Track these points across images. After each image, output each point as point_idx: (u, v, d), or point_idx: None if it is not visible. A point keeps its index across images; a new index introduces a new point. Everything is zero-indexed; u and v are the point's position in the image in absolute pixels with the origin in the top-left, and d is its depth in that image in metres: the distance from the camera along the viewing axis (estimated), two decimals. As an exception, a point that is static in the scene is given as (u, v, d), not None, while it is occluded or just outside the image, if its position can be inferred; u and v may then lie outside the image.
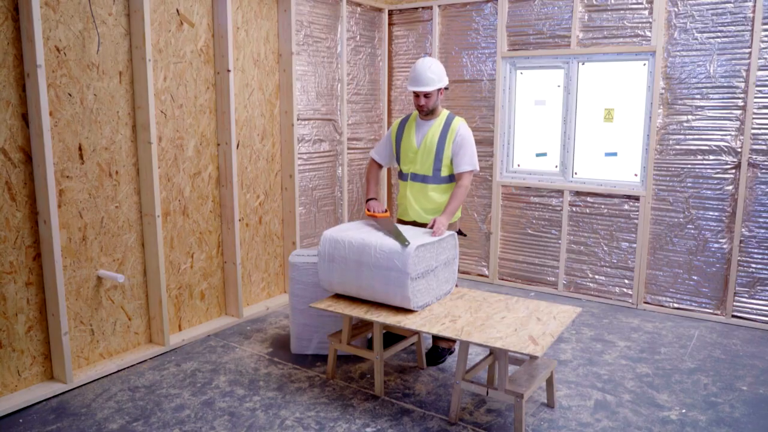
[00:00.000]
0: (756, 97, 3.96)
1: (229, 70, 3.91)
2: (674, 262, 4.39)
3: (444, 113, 3.47)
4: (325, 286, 3.25)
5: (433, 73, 3.31)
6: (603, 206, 4.61)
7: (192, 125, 3.84)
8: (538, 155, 4.95)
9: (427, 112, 3.42)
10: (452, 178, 3.47)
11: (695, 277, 4.33)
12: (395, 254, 2.92)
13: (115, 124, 3.39)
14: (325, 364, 3.53)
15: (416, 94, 3.37)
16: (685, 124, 4.24)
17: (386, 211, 3.47)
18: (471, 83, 5.08)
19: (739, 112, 4.04)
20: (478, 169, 3.41)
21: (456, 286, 3.41)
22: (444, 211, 3.30)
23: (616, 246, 4.59)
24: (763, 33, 3.90)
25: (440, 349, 3.61)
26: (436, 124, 3.44)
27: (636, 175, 4.51)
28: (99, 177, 3.35)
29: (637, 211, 4.47)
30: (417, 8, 5.27)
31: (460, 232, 3.58)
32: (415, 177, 3.49)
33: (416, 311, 2.99)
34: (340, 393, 3.20)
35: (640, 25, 4.30)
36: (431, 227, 3.21)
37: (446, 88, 3.43)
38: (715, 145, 4.15)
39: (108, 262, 3.43)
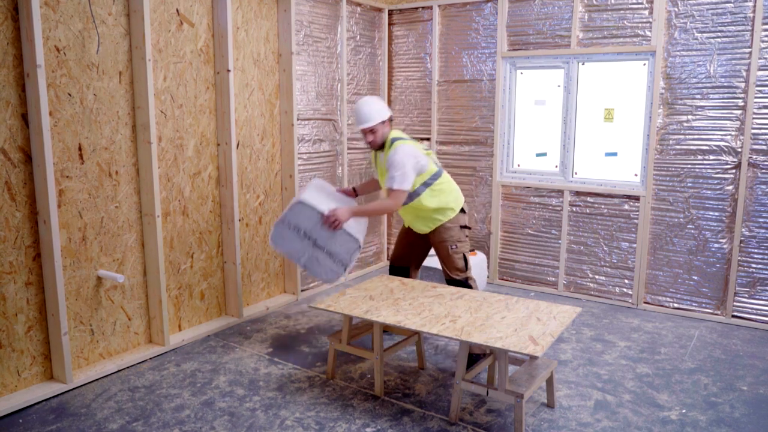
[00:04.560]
0: (756, 97, 3.96)
1: (229, 70, 3.91)
2: (674, 262, 4.39)
3: (388, 142, 3.50)
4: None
5: (370, 110, 3.46)
6: (603, 206, 4.61)
7: (192, 125, 3.84)
8: (538, 155, 4.95)
9: (377, 147, 3.54)
10: (425, 185, 3.51)
11: (695, 277, 4.33)
12: None
13: (115, 124, 3.39)
14: (325, 364, 3.53)
15: (364, 132, 3.50)
16: (685, 124, 4.24)
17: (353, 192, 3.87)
18: (471, 83, 5.08)
19: (739, 112, 4.04)
20: (402, 188, 3.36)
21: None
22: (353, 207, 3.47)
23: (616, 246, 4.59)
24: (763, 33, 3.89)
25: (473, 354, 3.36)
26: (384, 154, 3.52)
27: (636, 175, 4.50)
28: (99, 177, 3.34)
29: (637, 211, 4.47)
30: (417, 8, 5.27)
31: (465, 227, 3.59)
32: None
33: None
34: (340, 393, 3.20)
35: (640, 25, 4.30)
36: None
37: (390, 119, 3.54)
38: (715, 145, 4.15)
39: (108, 262, 3.43)
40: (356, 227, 3.42)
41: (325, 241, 3.36)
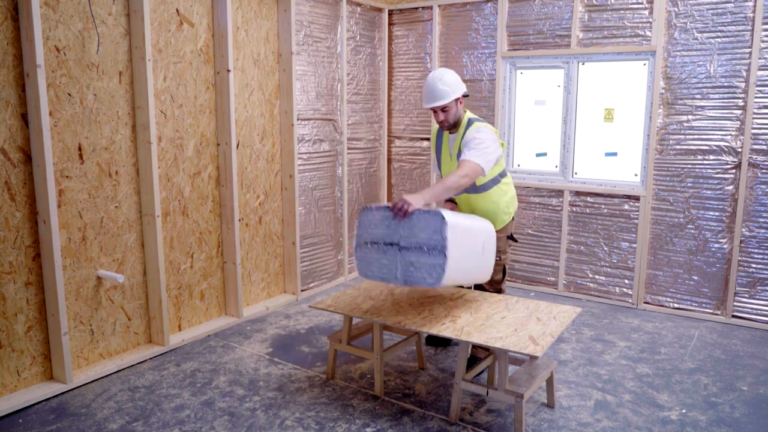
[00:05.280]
0: (756, 97, 3.96)
1: (229, 70, 3.91)
2: (674, 262, 4.39)
3: (464, 122, 3.18)
4: None
5: (445, 85, 3.06)
6: (603, 206, 4.61)
7: (192, 125, 3.84)
8: (538, 155, 4.95)
9: (449, 127, 3.19)
10: (494, 182, 3.25)
11: (695, 277, 4.33)
12: None
13: (114, 124, 3.39)
14: (325, 364, 3.53)
15: (434, 111, 3.13)
16: (685, 124, 4.24)
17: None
18: (471, 83, 5.08)
19: (739, 111, 4.04)
20: (484, 165, 2.98)
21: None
22: (425, 190, 2.90)
23: (616, 246, 4.59)
24: (764, 33, 3.89)
25: (477, 358, 3.26)
26: (458, 136, 3.18)
27: (636, 175, 4.50)
28: (99, 177, 3.34)
29: (638, 211, 4.47)
30: (417, 8, 5.27)
31: (511, 237, 3.44)
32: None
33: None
34: (340, 393, 3.20)
35: (640, 25, 4.30)
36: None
37: (466, 95, 3.18)
38: (715, 145, 4.15)
39: (108, 262, 3.43)
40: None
41: (408, 239, 2.73)
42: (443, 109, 3.10)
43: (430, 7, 5.19)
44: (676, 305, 4.43)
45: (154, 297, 3.65)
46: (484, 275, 3.07)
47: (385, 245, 2.80)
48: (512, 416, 2.95)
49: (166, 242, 3.74)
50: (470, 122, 3.18)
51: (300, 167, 4.61)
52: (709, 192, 4.21)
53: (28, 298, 3.08)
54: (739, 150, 4.07)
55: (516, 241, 3.55)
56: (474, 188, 3.24)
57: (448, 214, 2.66)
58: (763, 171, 4.01)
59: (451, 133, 3.27)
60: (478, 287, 3.46)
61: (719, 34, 4.04)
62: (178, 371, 3.45)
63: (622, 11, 4.35)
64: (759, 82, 3.93)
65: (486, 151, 2.99)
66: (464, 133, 3.14)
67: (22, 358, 3.09)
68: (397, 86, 5.49)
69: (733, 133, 4.07)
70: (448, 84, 3.08)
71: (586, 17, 4.50)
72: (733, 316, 4.22)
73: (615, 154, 4.59)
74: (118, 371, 3.42)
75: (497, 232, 3.30)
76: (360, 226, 2.88)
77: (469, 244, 2.84)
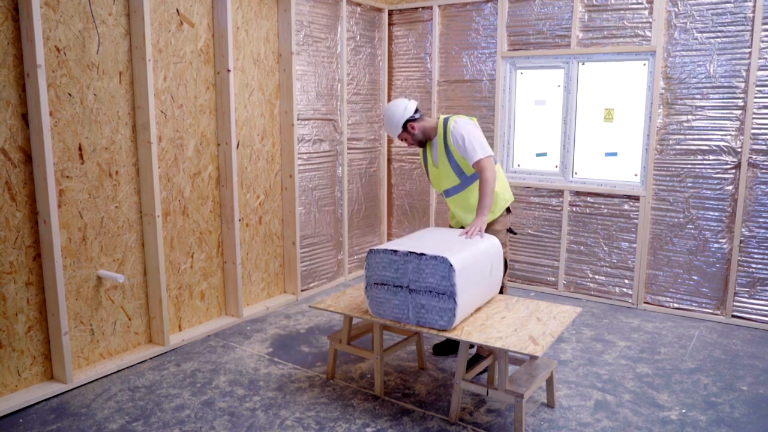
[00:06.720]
0: (756, 97, 3.96)
1: (229, 70, 3.91)
2: (674, 262, 4.39)
3: (440, 125, 3.33)
4: None
5: (388, 119, 3.35)
6: (603, 206, 4.61)
7: (192, 125, 3.84)
8: (538, 155, 4.95)
9: (418, 144, 3.42)
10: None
11: (695, 277, 4.33)
12: None
13: (115, 124, 3.39)
14: (325, 364, 3.53)
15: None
16: (685, 124, 4.24)
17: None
18: (471, 83, 5.08)
19: (739, 112, 4.04)
20: (490, 152, 3.20)
21: None
22: (477, 211, 3.13)
23: (616, 246, 4.59)
24: (763, 33, 3.89)
25: (480, 356, 3.31)
26: (439, 139, 3.33)
27: (636, 175, 4.51)
28: (99, 177, 3.35)
29: (637, 211, 4.47)
30: (417, 8, 5.27)
31: (510, 230, 3.47)
32: (449, 192, 3.42)
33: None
34: (340, 393, 3.20)
35: (640, 25, 4.30)
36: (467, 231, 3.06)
37: (411, 120, 3.31)
38: (715, 145, 4.15)
39: (108, 262, 3.43)
40: (444, 245, 2.90)
41: (417, 282, 2.80)
42: (398, 136, 3.39)
43: (430, 7, 5.19)
44: (676, 305, 4.43)
45: (154, 297, 3.65)
46: (494, 292, 3.15)
47: (395, 288, 2.88)
48: (512, 416, 2.95)
49: (166, 242, 3.74)
50: (446, 120, 3.32)
51: (300, 167, 4.62)
52: (708, 192, 4.21)
53: (29, 298, 3.08)
54: (739, 150, 4.07)
55: (515, 233, 3.57)
56: (464, 182, 3.32)
57: (455, 258, 2.72)
58: (763, 171, 4.01)
59: (429, 142, 3.42)
60: None
61: (719, 34, 4.04)
62: (178, 371, 3.45)
63: (622, 11, 4.35)
64: (759, 82, 3.93)
65: (478, 141, 3.20)
66: (445, 134, 3.29)
67: (23, 358, 3.09)
68: (397, 86, 5.49)
69: (733, 133, 4.08)
70: (393, 117, 3.34)
71: (586, 17, 4.51)
72: (733, 316, 4.22)
73: (615, 154, 4.59)
74: (119, 371, 3.42)
75: (496, 224, 3.34)
76: (368, 267, 2.94)
77: (477, 273, 2.90)
